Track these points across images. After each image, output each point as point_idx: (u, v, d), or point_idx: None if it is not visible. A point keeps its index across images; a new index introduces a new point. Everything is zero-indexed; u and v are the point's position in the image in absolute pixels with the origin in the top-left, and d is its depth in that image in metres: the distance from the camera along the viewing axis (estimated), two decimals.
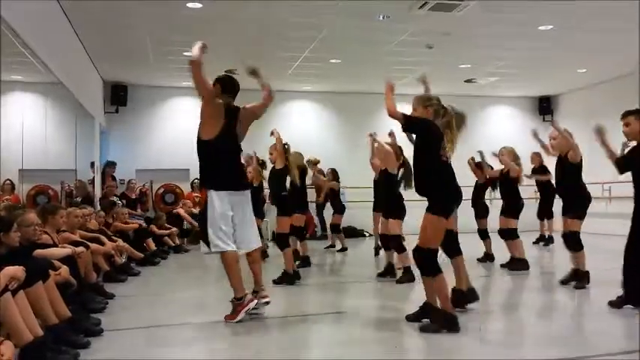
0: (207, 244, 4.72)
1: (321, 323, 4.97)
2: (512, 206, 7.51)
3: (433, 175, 4.32)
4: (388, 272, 6.98)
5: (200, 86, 4.79)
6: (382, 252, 8.28)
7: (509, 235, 7.47)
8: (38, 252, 4.59)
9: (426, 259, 4.24)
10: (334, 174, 10.62)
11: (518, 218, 7.54)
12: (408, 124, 4.36)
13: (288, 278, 6.60)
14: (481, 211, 8.28)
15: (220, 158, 4.78)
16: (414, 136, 4.72)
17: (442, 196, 4.30)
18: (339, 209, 10.33)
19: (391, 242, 6.83)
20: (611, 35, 8.76)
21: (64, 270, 4.44)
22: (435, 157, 4.29)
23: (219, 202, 4.68)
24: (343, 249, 10.20)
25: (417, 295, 5.92)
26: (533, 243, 10.48)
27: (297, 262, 7.41)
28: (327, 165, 11.92)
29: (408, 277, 6.51)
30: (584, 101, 13.05)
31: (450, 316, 4.22)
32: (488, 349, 3.98)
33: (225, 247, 4.69)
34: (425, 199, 4.35)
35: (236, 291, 4.77)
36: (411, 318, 4.50)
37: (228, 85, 5.08)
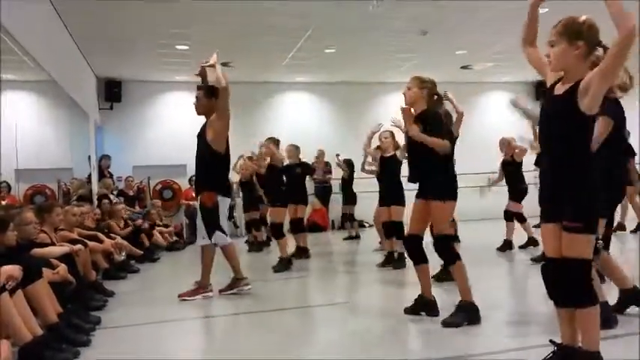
0: (210, 237, 5.40)
1: (320, 314, 4.95)
2: (516, 191, 7.92)
3: (440, 162, 4.25)
4: (389, 261, 6.96)
5: (226, 111, 5.37)
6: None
7: (516, 218, 7.93)
8: (36, 251, 4.55)
9: (444, 247, 4.21)
10: (348, 164, 10.88)
11: (520, 202, 7.92)
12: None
13: (284, 263, 7.02)
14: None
15: (226, 169, 5.61)
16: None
17: (449, 181, 4.29)
18: (352, 199, 10.88)
19: (395, 228, 6.90)
20: (606, 17, 8.69)
21: (63, 268, 4.40)
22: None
23: (224, 205, 5.48)
24: (356, 236, 10.68)
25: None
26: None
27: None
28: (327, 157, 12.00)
29: (401, 265, 6.73)
30: None
31: (473, 307, 4.11)
32: (494, 338, 3.95)
33: (229, 240, 5.56)
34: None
35: (237, 273, 5.59)
36: (408, 311, 4.43)
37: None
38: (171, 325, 4.68)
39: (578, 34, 2.78)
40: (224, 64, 11.12)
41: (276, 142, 7.81)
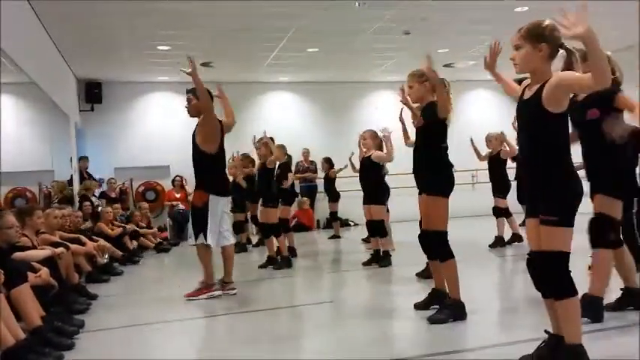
0: (205, 237, 5.35)
1: (309, 313, 4.95)
2: (500, 187, 8.06)
3: (438, 157, 4.29)
4: (374, 259, 6.99)
5: (208, 113, 5.41)
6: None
7: (502, 213, 8.02)
8: (18, 255, 4.50)
9: (437, 243, 4.21)
10: (328, 162, 11.13)
11: (505, 198, 8.05)
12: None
13: (275, 262, 7.15)
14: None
15: (220, 168, 5.58)
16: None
17: (447, 176, 4.31)
18: (335, 197, 10.99)
19: (376, 227, 6.96)
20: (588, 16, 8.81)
21: (45, 272, 4.35)
22: (444, 138, 4.32)
23: (220, 205, 5.42)
24: (336, 236, 10.59)
25: (401, 280, 5.95)
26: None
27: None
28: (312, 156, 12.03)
29: (386, 262, 6.81)
30: None
31: (460, 304, 4.13)
32: (484, 333, 3.98)
33: (231, 241, 5.62)
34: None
35: (227, 275, 5.61)
36: (420, 306, 4.42)
37: (212, 100, 5.56)
38: (156, 328, 4.66)
39: (541, 37, 2.85)
40: (205, 65, 11.10)
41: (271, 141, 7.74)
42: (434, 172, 4.29)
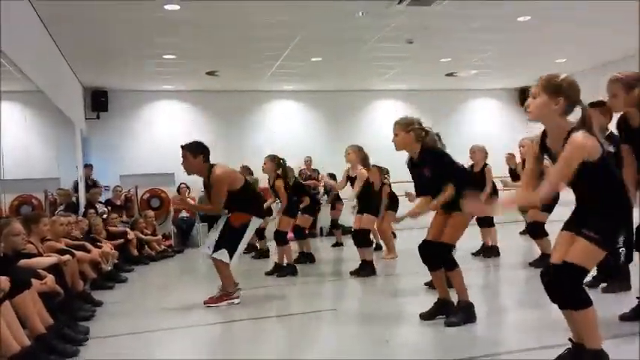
0: (230, 257, 5.41)
1: (311, 322, 4.97)
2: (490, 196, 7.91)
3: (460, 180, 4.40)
4: (362, 270, 7.01)
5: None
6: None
7: (486, 223, 7.95)
8: (23, 262, 4.54)
9: (441, 254, 4.37)
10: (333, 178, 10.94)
11: None
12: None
13: (287, 270, 7.24)
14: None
15: (252, 193, 5.82)
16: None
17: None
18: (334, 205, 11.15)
19: (360, 235, 7.06)
20: (588, 26, 8.84)
21: (50, 279, 4.40)
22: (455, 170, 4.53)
23: (254, 225, 5.61)
24: (338, 244, 10.56)
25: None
26: (520, 233, 10.60)
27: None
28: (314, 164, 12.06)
29: (367, 272, 6.88)
30: None
31: (470, 306, 4.32)
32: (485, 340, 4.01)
33: (228, 261, 5.49)
34: None
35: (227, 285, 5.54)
36: (426, 316, 4.47)
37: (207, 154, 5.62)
38: (160, 335, 4.69)
39: (559, 90, 2.91)
40: (210, 73, 11.19)
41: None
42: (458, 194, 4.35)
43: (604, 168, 2.92)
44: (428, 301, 4.62)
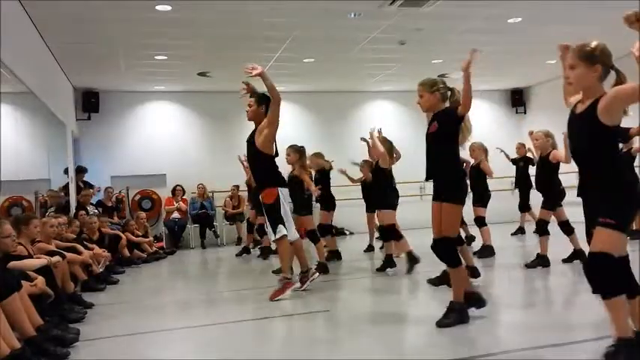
0: (285, 227, 5.68)
1: (311, 322, 4.96)
2: (482, 196, 8.02)
3: (453, 164, 4.39)
4: (387, 265, 7.05)
5: (276, 120, 5.83)
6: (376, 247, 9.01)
7: (478, 223, 8.04)
8: (13, 264, 4.51)
9: (447, 249, 4.29)
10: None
11: (486, 207, 8.08)
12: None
13: (323, 268, 7.12)
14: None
15: (276, 165, 5.91)
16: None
17: (461, 184, 4.41)
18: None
19: (388, 232, 7.05)
20: (579, 27, 8.88)
21: (40, 281, 4.37)
22: (457, 145, 4.39)
23: (284, 195, 5.78)
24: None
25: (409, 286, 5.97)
26: (512, 234, 10.65)
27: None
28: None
29: (413, 263, 6.81)
30: (555, 92, 13.14)
31: (463, 307, 4.28)
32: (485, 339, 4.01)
33: (296, 235, 5.92)
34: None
35: (286, 272, 5.78)
36: (457, 306, 4.35)
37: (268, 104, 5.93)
38: (152, 337, 4.67)
39: (595, 58, 3.07)
40: (202, 74, 11.16)
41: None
42: (449, 179, 4.36)
43: (614, 141, 3.06)
44: (429, 299, 4.60)
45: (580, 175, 3.25)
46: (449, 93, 4.50)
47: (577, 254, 6.79)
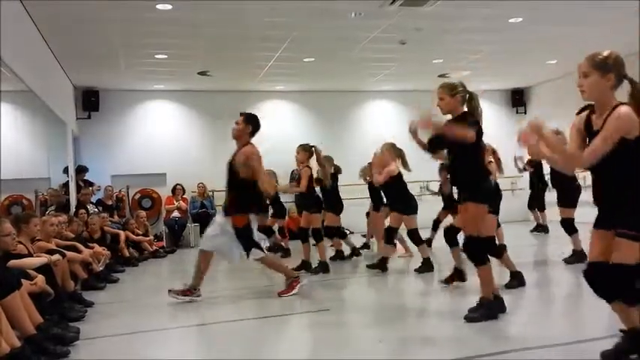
0: (261, 249, 5.80)
1: (311, 321, 4.97)
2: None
3: (479, 166, 4.50)
4: (379, 266, 7.09)
5: (259, 173, 5.70)
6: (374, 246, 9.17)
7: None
8: (13, 262, 4.51)
9: (485, 248, 4.42)
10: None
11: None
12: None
13: (324, 267, 7.31)
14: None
15: (256, 189, 5.68)
16: None
17: (487, 185, 4.54)
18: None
19: (414, 236, 7.07)
20: (580, 27, 8.89)
21: (40, 279, 4.37)
22: (481, 151, 4.51)
23: (254, 220, 5.77)
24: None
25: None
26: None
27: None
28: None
29: (427, 268, 6.81)
30: (555, 92, 13.21)
31: (492, 304, 4.34)
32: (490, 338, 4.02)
33: (263, 254, 5.87)
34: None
35: (288, 274, 5.93)
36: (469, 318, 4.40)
37: (258, 127, 6.03)
38: (152, 335, 4.67)
39: (608, 67, 3.05)
40: (202, 73, 11.16)
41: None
42: (476, 182, 4.44)
43: (636, 151, 3.00)
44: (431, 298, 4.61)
45: (595, 185, 3.23)
46: (467, 96, 4.53)
47: (577, 254, 6.79)
